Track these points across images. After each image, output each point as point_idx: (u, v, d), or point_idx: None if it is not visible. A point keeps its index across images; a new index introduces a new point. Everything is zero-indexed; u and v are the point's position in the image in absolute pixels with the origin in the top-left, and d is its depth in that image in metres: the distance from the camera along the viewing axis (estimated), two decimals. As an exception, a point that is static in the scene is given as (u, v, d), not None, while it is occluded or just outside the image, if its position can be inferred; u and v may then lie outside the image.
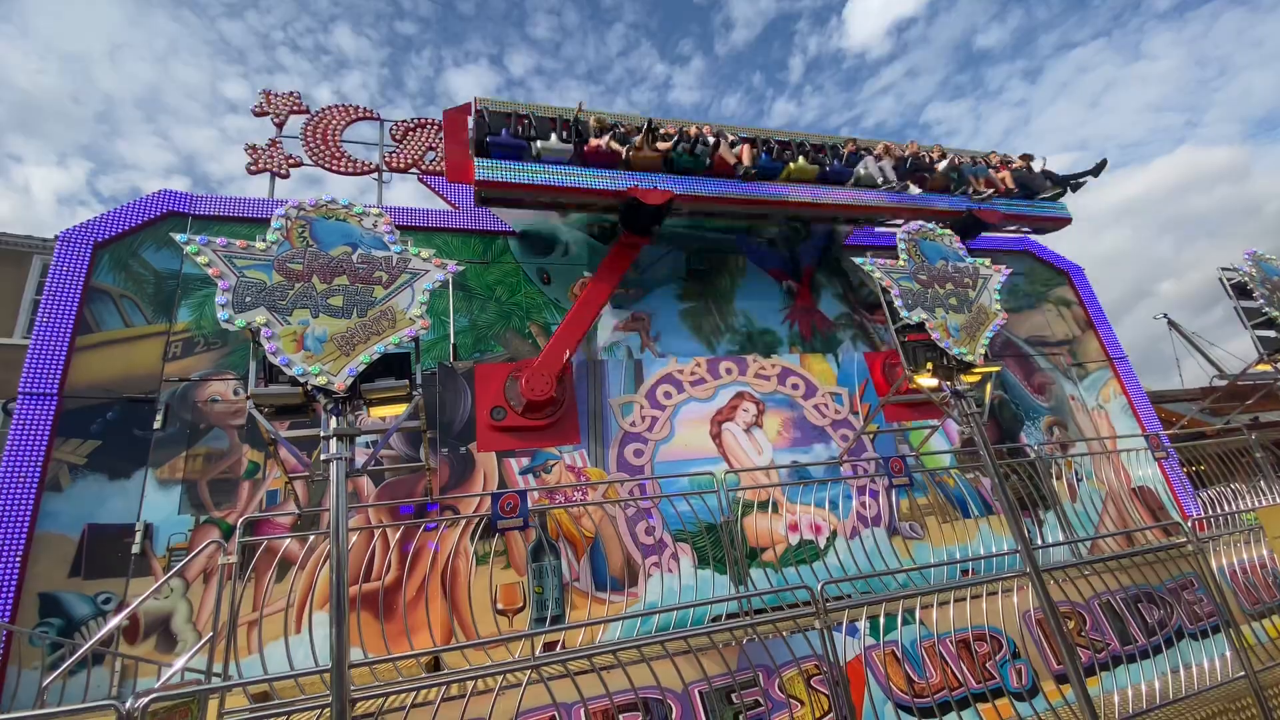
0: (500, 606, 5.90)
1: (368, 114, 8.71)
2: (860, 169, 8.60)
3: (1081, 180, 9.76)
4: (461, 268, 4.06)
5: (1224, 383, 8.96)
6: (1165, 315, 9.90)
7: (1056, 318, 10.59)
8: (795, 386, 8.29)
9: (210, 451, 6.05)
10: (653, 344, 8.13)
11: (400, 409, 3.82)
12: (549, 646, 5.07)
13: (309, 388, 3.39)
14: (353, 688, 3.11)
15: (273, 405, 3.55)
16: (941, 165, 9.13)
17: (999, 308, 5.38)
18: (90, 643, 4.04)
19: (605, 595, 6.25)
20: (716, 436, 7.65)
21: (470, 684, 3.54)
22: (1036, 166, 9.98)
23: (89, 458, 5.71)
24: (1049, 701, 4.57)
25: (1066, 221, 9.80)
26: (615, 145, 7.43)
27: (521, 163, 7.05)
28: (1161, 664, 4.88)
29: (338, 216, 3.88)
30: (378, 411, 3.87)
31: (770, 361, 8.37)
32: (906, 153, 9.28)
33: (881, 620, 4.50)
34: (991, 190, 9.19)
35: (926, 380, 5.15)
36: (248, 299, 3.42)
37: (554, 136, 7.40)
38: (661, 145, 7.55)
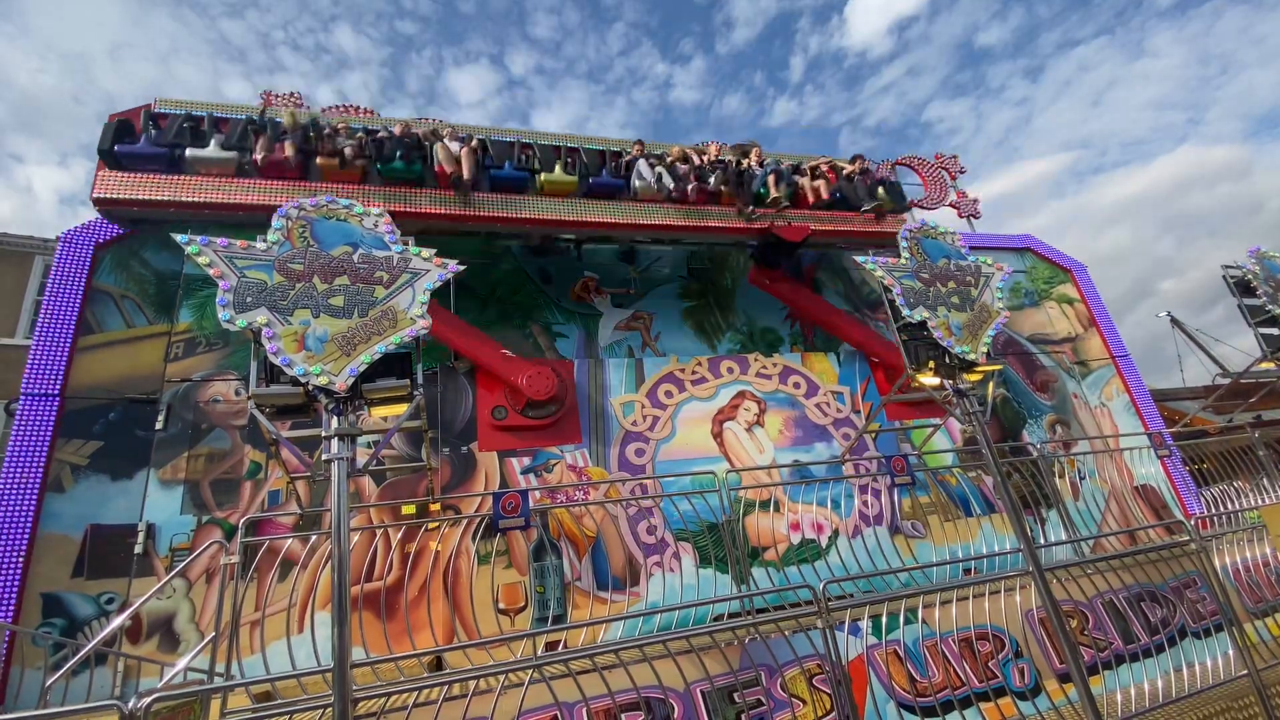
0: (502, 606, 5.90)
1: (368, 113, 8.70)
2: (635, 179, 7.46)
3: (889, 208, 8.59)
4: (463, 267, 4.05)
5: (1227, 381, 8.93)
6: (1168, 313, 9.88)
7: (1059, 315, 10.56)
8: (797, 385, 8.28)
9: (212, 452, 6.06)
10: (654, 343, 8.12)
11: (401, 409, 3.81)
12: (551, 646, 5.07)
13: (310, 388, 3.39)
14: (355, 687, 3.11)
15: (274, 405, 3.55)
16: (717, 179, 7.75)
17: (1001, 306, 5.37)
18: (93, 643, 4.04)
19: (607, 595, 6.25)
20: (718, 436, 7.64)
21: (472, 683, 3.54)
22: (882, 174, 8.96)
23: (91, 458, 5.72)
24: (1052, 700, 4.56)
25: (891, 235, 8.12)
26: (296, 152, 6.26)
27: (162, 174, 6.08)
28: (1164, 662, 4.87)
29: (338, 216, 3.88)
30: (379, 411, 3.87)
31: (772, 360, 8.36)
32: (709, 157, 8.08)
33: (884, 619, 4.50)
34: (780, 199, 7.87)
35: (928, 379, 5.15)
36: (249, 299, 3.42)
37: (214, 143, 6.24)
38: (349, 148, 6.40)
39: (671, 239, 8.02)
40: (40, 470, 5.44)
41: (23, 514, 5.27)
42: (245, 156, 6.32)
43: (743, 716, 4.02)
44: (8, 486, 5.32)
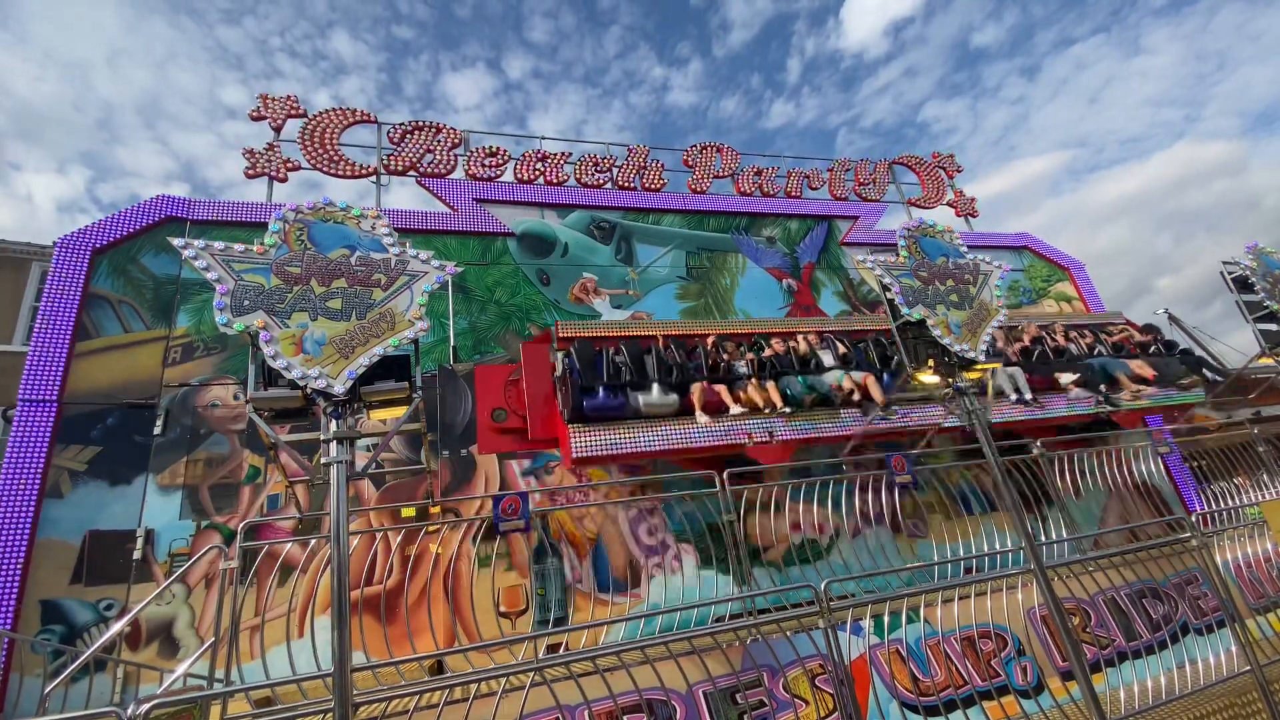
0: (503, 609, 5.88)
1: (365, 117, 8.70)
2: (990, 381, 7.28)
3: (1216, 370, 8.75)
4: (460, 269, 4.05)
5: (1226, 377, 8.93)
6: (1167, 310, 9.85)
7: (1057, 314, 10.56)
8: (796, 385, 8.26)
9: (211, 456, 6.04)
10: (653, 344, 8.10)
11: (400, 411, 3.80)
12: (552, 648, 5.05)
13: (309, 391, 3.38)
14: (355, 692, 3.09)
15: (273, 409, 3.54)
16: (1069, 376, 7.78)
17: (1000, 304, 5.37)
18: (92, 649, 4.03)
19: (608, 596, 6.23)
20: (718, 436, 7.62)
21: (473, 687, 3.53)
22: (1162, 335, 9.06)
23: (89, 464, 5.70)
24: (1054, 698, 4.56)
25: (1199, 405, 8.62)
26: (722, 391, 6.53)
27: (623, 424, 6.25)
28: (1167, 660, 4.87)
29: (336, 219, 3.87)
30: (378, 414, 3.86)
31: (771, 360, 8.34)
32: (1027, 338, 8.15)
33: (886, 619, 4.49)
34: (1145, 390, 8.01)
35: (928, 377, 5.14)
36: (246, 302, 3.41)
37: (655, 387, 6.45)
38: (773, 390, 6.68)
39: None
40: (38, 476, 5.43)
41: (21, 520, 5.25)
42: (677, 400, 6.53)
43: (745, 717, 4.01)
44: (6, 493, 5.29)
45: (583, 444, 6.03)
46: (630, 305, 8.30)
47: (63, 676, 3.97)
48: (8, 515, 5.23)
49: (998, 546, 6.57)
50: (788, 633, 4.24)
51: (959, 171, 12.58)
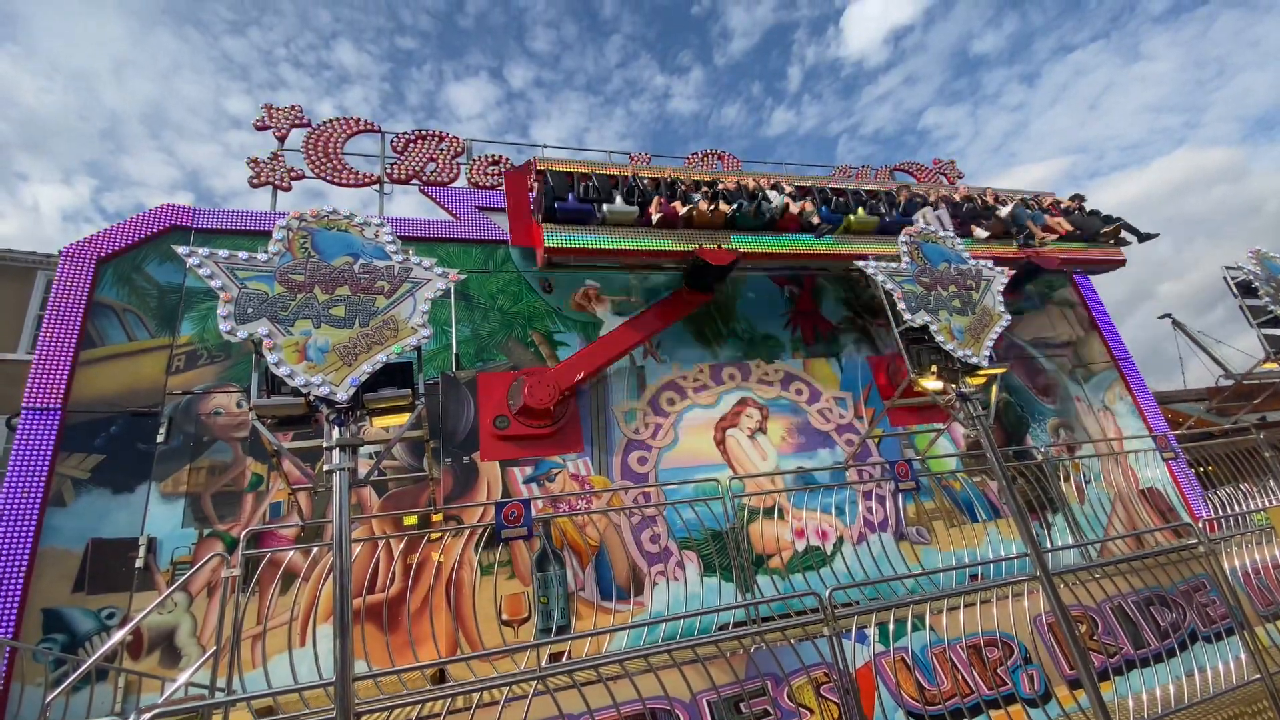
0: (505, 617, 5.86)
1: (369, 126, 8.75)
2: (919, 218, 8.48)
3: (1136, 235, 9.82)
4: (463, 276, 4.05)
5: (1230, 383, 8.90)
6: (1169, 315, 9.83)
7: (1060, 319, 10.55)
8: (799, 392, 8.26)
9: (214, 464, 6.04)
10: (655, 350, 8.11)
11: (403, 419, 3.80)
12: (555, 657, 5.03)
13: (311, 398, 3.38)
14: (357, 701, 3.08)
15: (276, 417, 3.55)
16: (1003, 211, 9.15)
17: (1002, 309, 5.36)
18: (94, 658, 4.01)
19: (611, 604, 6.20)
20: (720, 443, 7.61)
21: (476, 696, 3.51)
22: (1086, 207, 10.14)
23: (92, 472, 5.70)
24: (1062, 707, 4.52)
25: (1121, 263, 9.80)
26: (678, 205, 7.46)
27: (588, 227, 7.14)
28: (1175, 668, 4.82)
29: (339, 227, 3.89)
30: (380, 421, 3.86)
31: (773, 367, 8.35)
32: (958, 196, 9.27)
33: (891, 626, 4.46)
34: (1054, 235, 9.17)
35: (931, 383, 5.13)
36: (250, 310, 3.42)
37: (619, 198, 7.39)
38: (725, 206, 7.54)
39: None
40: (41, 484, 5.43)
41: (24, 529, 5.25)
42: (639, 211, 7.35)
43: (750, 726, 3.98)
44: (9, 501, 5.30)
45: (554, 239, 6.93)
46: (632, 312, 8.30)
47: (64, 686, 3.95)
48: (11, 523, 5.23)
49: (1003, 553, 6.53)
50: (792, 641, 4.22)
51: (960, 177, 12.60)
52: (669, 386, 7.80)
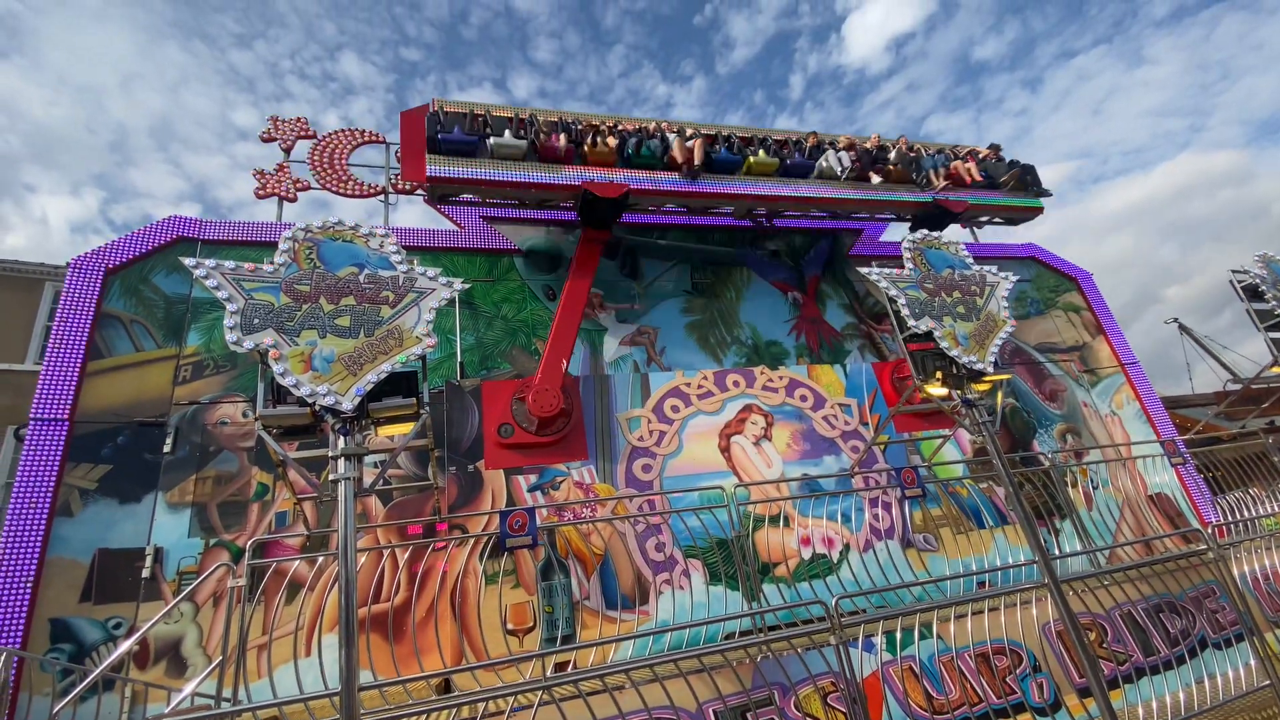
0: (510, 626, 5.84)
1: (373, 137, 8.81)
2: (822, 162, 8.62)
3: (1026, 187, 9.79)
4: (467, 285, 4.08)
5: (1239, 387, 8.85)
6: (1176, 319, 9.80)
7: (1066, 324, 10.52)
8: (804, 398, 8.25)
9: (220, 474, 6.06)
10: (659, 358, 8.12)
11: (408, 428, 3.82)
12: (560, 667, 5.01)
13: (317, 408, 3.40)
14: (363, 711, 3.08)
15: (281, 426, 3.56)
16: (893, 156, 9.18)
17: (1007, 315, 5.35)
18: (100, 668, 4.02)
19: (616, 613, 6.18)
20: (725, 450, 7.60)
21: (481, 706, 3.50)
22: (1008, 158, 10.12)
23: (100, 482, 5.73)
24: (1072, 715, 4.48)
25: (1038, 211, 9.81)
26: (568, 142, 7.53)
27: (475, 158, 7.16)
28: (1185, 675, 4.78)
29: (344, 238, 3.91)
30: (385, 430, 3.87)
31: (778, 373, 8.34)
32: (870, 145, 9.29)
33: (898, 635, 4.43)
34: (948, 182, 9.10)
35: (936, 389, 5.12)
36: (256, 321, 3.44)
37: (508, 133, 7.45)
38: (612, 142, 7.66)
39: (847, 212, 9.19)
40: (49, 495, 5.46)
41: (31, 539, 5.27)
42: (529, 146, 7.47)
43: (756, 736, 3.95)
44: (17, 511, 5.32)
45: (437, 168, 6.94)
46: (636, 319, 8.32)
47: (71, 696, 3.96)
48: (19, 533, 5.25)
49: (1010, 560, 6.49)
50: (799, 649, 4.19)
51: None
52: (673, 393, 7.80)
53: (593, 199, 7.36)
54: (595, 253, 7.85)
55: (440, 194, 7.34)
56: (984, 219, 9.99)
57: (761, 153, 8.43)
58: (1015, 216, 9.93)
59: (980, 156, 10.07)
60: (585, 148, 7.57)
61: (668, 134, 8.19)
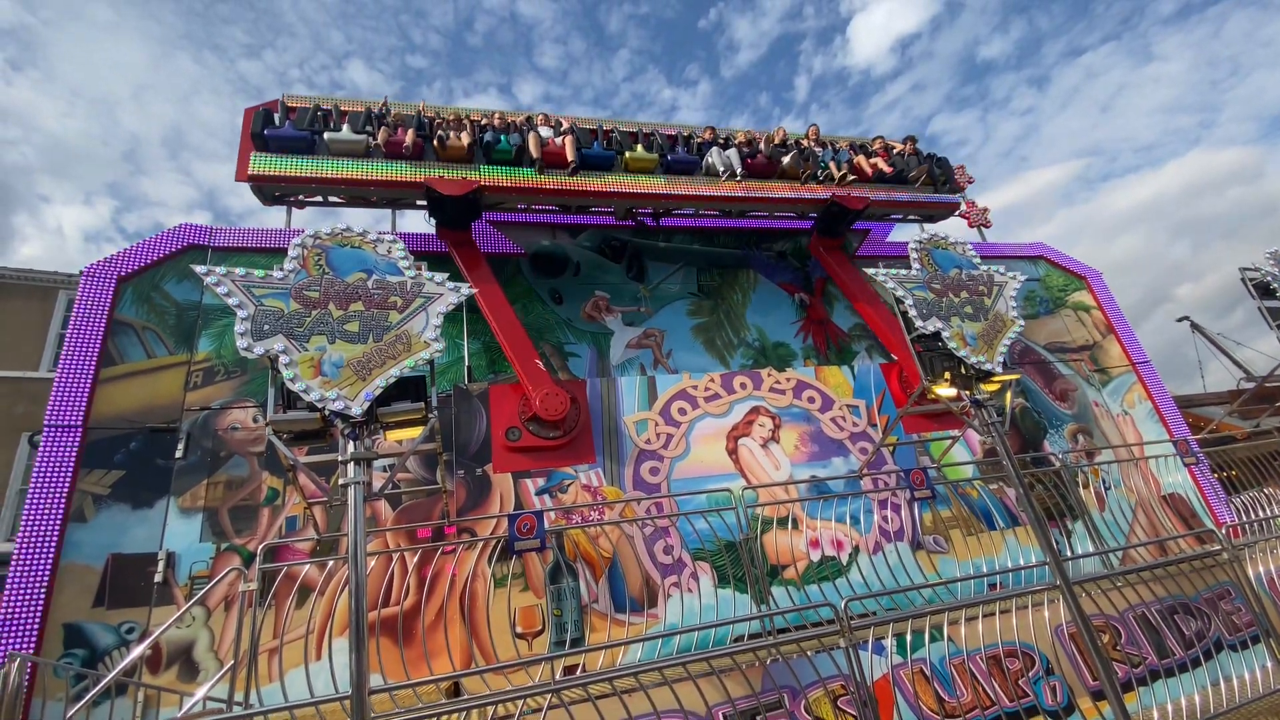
0: (519, 630, 5.85)
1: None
2: (708, 158, 8.30)
3: (934, 184, 9.51)
4: (474, 290, 4.09)
5: (1252, 385, 8.75)
6: (1188, 318, 9.71)
7: (1076, 323, 10.44)
8: (811, 400, 8.22)
9: (231, 479, 6.11)
10: (665, 360, 8.12)
11: (416, 432, 3.83)
12: (569, 670, 5.01)
13: (327, 413, 3.42)
14: (373, 715, 3.09)
15: (291, 431, 3.58)
16: (787, 158, 8.62)
17: (1016, 314, 5.32)
18: (113, 673, 4.06)
19: (625, 617, 6.17)
20: (733, 452, 7.59)
21: (490, 709, 3.51)
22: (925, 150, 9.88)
23: (113, 488, 5.78)
24: (1085, 719, 4.43)
25: (954, 206, 9.63)
26: (405, 135, 7.14)
27: (312, 155, 6.87)
28: (1201, 677, 4.72)
29: (353, 244, 3.94)
30: (394, 435, 3.89)
31: (785, 375, 8.32)
32: (777, 139, 8.91)
33: (908, 637, 4.40)
34: (845, 174, 8.71)
35: (945, 390, 5.09)
36: (266, 327, 3.47)
37: (345, 127, 7.14)
38: (465, 137, 7.30)
39: (740, 210, 8.82)
40: (63, 500, 5.51)
41: (45, 544, 5.32)
42: (371, 141, 7.13)
43: (766, 740, 3.94)
44: (31, 517, 5.38)
45: (259, 165, 6.68)
46: (643, 322, 8.33)
47: (84, 701, 4.00)
48: (33, 539, 5.31)
49: (1022, 561, 6.44)
50: (808, 652, 4.17)
51: (970, 182, 12.52)
52: (680, 396, 7.79)
53: (438, 197, 7.07)
54: (474, 254, 7.56)
55: (271, 194, 7.08)
56: (896, 216, 9.70)
57: (639, 148, 8.09)
58: (931, 213, 9.68)
59: (895, 151, 9.73)
60: (435, 144, 7.21)
61: (538, 128, 7.80)
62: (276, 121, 7.09)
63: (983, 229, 10.79)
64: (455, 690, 4.87)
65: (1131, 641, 5.00)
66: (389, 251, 3.99)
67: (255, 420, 6.38)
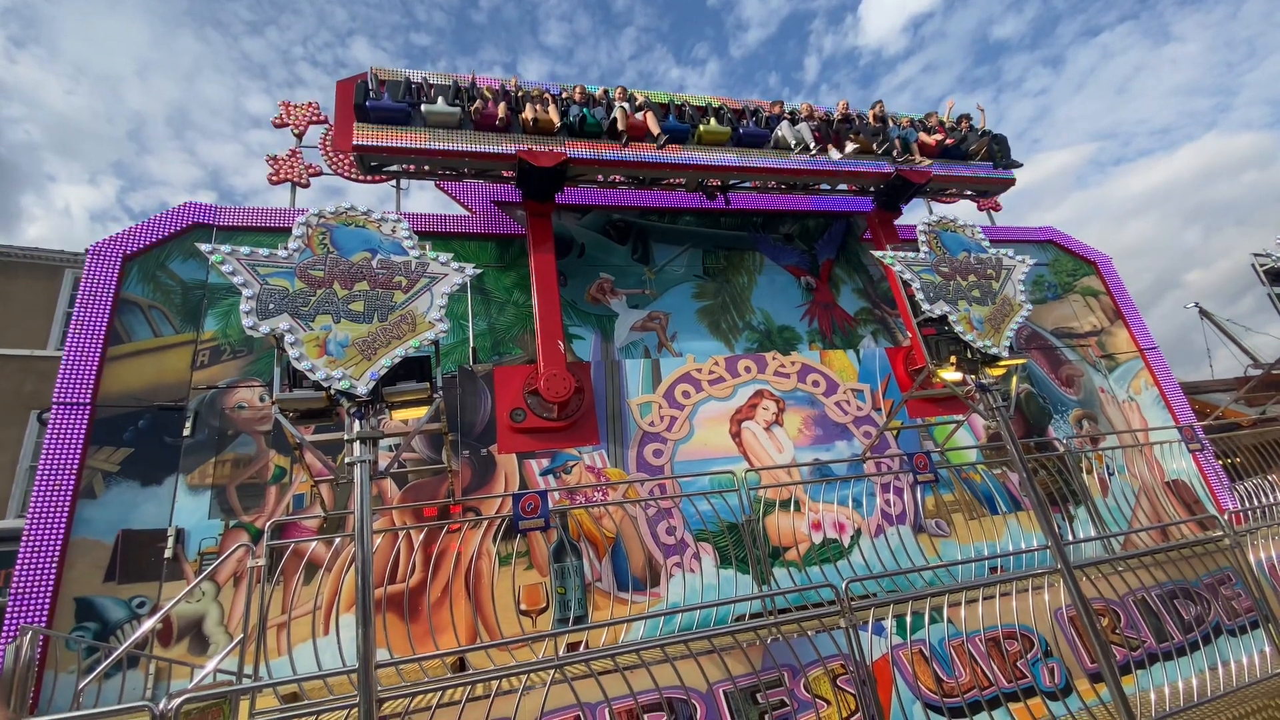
0: (523, 607, 5.92)
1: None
2: (778, 131, 8.28)
3: (993, 160, 9.36)
4: (479, 271, 4.08)
5: (1259, 372, 8.70)
6: (1197, 304, 9.63)
7: (1084, 308, 10.38)
8: (816, 384, 8.22)
9: (238, 457, 6.16)
10: (670, 343, 8.11)
11: (422, 412, 3.85)
12: (572, 646, 5.08)
13: (332, 392, 3.44)
14: (379, 688, 3.14)
15: (298, 410, 3.60)
16: (858, 125, 8.71)
17: (1023, 299, 5.28)
18: (124, 646, 4.13)
19: (627, 595, 6.24)
20: (736, 435, 7.61)
21: (495, 684, 3.56)
22: (980, 125, 9.63)
23: (122, 465, 5.84)
24: (1083, 700, 4.47)
25: (1010, 183, 9.48)
26: (498, 108, 7.21)
27: (408, 126, 6.96)
28: (1199, 661, 4.75)
29: (357, 223, 3.93)
30: (400, 414, 3.91)
31: (790, 359, 8.30)
32: (838, 115, 8.89)
33: (908, 619, 4.44)
34: (909, 158, 8.69)
35: (950, 374, 5.08)
36: (271, 306, 3.47)
37: (441, 100, 7.17)
38: (553, 110, 7.35)
39: (805, 184, 8.86)
40: (73, 477, 5.57)
41: (56, 520, 5.40)
42: (462, 113, 7.18)
43: (766, 717, 3.99)
44: (42, 493, 5.45)
45: (363, 135, 6.76)
46: (647, 304, 8.31)
47: (96, 673, 4.08)
48: (44, 515, 5.38)
49: (1023, 546, 6.47)
50: (809, 632, 4.21)
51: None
52: (684, 379, 7.80)
53: (529, 169, 7.11)
54: (546, 226, 7.69)
55: (370, 164, 7.18)
56: (951, 190, 9.64)
57: (713, 121, 8.11)
58: (987, 189, 9.67)
59: (950, 127, 9.66)
60: (523, 116, 7.27)
61: (619, 103, 7.83)
62: (371, 93, 7.13)
63: (991, 212, 10.68)
64: (460, 665, 4.95)
65: (1131, 625, 5.03)
66: (393, 231, 3.97)
67: (262, 399, 6.41)
